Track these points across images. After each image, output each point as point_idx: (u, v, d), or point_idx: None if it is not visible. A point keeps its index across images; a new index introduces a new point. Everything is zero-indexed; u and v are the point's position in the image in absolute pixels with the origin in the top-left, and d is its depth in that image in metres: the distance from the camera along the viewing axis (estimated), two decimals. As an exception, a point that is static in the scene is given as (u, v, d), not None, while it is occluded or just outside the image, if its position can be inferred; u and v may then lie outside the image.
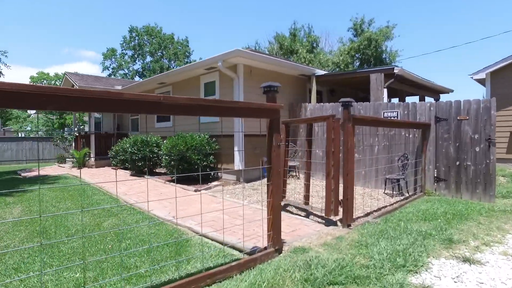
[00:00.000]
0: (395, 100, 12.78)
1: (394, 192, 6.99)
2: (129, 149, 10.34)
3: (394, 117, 7.37)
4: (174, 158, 8.45)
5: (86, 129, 21.68)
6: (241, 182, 8.49)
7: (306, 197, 5.22)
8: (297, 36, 27.56)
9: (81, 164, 13.18)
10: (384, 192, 7.19)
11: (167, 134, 11.08)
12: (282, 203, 5.96)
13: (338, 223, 4.66)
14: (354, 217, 4.68)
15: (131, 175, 10.60)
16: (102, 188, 8.14)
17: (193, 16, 68.55)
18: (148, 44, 40.89)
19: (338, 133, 4.53)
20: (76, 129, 15.60)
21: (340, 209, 4.62)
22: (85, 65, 70.76)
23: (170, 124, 11.30)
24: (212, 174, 9.12)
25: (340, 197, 4.60)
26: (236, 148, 8.43)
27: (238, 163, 8.41)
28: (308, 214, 5.25)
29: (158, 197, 7.06)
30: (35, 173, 12.02)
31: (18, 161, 20.66)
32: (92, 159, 13.22)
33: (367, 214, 5.21)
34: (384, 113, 7.52)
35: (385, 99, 8.80)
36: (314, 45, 28.07)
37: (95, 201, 6.59)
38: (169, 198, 6.76)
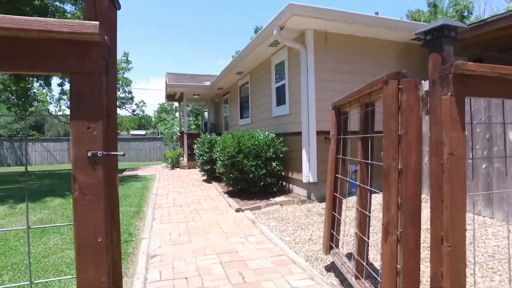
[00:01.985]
0: None
1: None
2: (197, 151, 9.08)
3: None
4: (225, 164, 6.57)
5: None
6: (312, 200, 5.90)
7: (359, 265, 2.39)
8: (438, 7, 21.57)
9: (175, 164, 12.91)
10: None
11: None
12: (329, 257, 3.28)
13: None
14: None
15: (204, 180, 9.32)
16: (157, 196, 7.00)
17: None
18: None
19: (416, 118, 1.64)
20: (177, 129, 15.74)
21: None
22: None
23: (249, 121, 9.52)
24: (278, 185, 6.81)
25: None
26: (304, 152, 5.89)
27: (307, 174, 5.84)
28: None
29: (186, 215, 5.30)
30: (132, 173, 12.29)
31: (140, 161, 23.05)
32: (185, 160, 12.77)
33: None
34: None
35: None
36: (466, 13, 21.32)
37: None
38: (193, 219, 4.90)
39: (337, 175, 3.07)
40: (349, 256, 3.18)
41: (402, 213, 1.65)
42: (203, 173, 9.43)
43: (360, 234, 2.37)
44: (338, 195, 3.04)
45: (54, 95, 30.26)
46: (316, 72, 5.82)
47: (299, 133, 6.05)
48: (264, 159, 6.36)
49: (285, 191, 6.79)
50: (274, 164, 6.41)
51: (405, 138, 1.67)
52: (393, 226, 1.67)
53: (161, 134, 36.03)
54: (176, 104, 53.68)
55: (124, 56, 34.67)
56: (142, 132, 49.30)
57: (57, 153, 21.21)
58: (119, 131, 51.69)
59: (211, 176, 9.06)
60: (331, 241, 3.15)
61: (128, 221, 4.93)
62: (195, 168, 12.68)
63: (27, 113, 29.32)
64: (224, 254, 3.55)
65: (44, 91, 29.34)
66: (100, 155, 1.02)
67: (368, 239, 2.37)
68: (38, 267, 3.25)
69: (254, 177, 6.28)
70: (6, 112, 26.41)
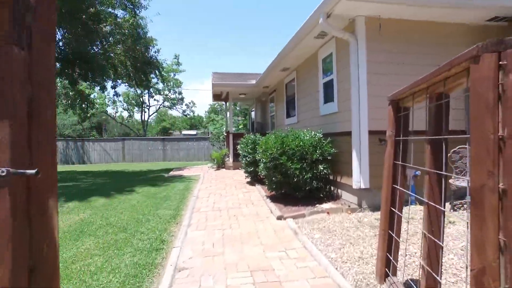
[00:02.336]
0: None
1: None
2: (240, 151, 8.77)
3: None
4: (267, 166, 6.14)
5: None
6: (363, 209, 5.23)
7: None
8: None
9: (220, 165, 12.80)
10: None
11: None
12: (383, 286, 2.68)
13: None
14: None
15: (247, 182, 9.00)
16: (198, 199, 6.83)
17: None
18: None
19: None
20: (224, 128, 15.67)
21: None
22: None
23: (295, 120, 9.00)
24: (325, 190, 6.21)
25: None
26: (354, 154, 5.23)
27: (357, 179, 5.18)
28: None
29: (224, 222, 4.97)
30: (177, 173, 12.41)
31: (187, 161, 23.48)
32: (230, 160, 12.60)
33: None
34: None
35: None
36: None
37: (151, 217, 5.18)
38: (227, 227, 4.55)
39: (395, 186, 2.47)
40: (409, 286, 2.55)
41: (507, 259, 1.06)
42: (246, 175, 9.11)
43: (429, 270, 1.77)
44: (396, 211, 2.44)
45: (111, 98, 32.33)
46: (368, 64, 5.13)
47: (349, 133, 5.40)
48: (310, 161, 5.81)
49: (333, 197, 6.17)
50: (321, 167, 5.83)
51: (510, 142, 1.08)
52: (492, 277, 1.09)
53: (210, 134, 37.02)
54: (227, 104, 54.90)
55: (175, 58, 36.06)
56: (193, 132, 51.01)
57: (112, 152, 22.52)
58: (171, 131, 54.18)
59: (255, 178, 8.70)
60: (387, 266, 2.56)
61: (163, 226, 4.72)
62: (239, 169, 12.46)
63: (89, 115, 31.86)
64: (259, 272, 3.11)
65: (102, 94, 31.71)
66: (4, 173, 0.63)
67: (441, 277, 1.77)
68: (64, 274, 3.09)
69: (298, 181, 5.77)
70: (72, 115, 28.90)
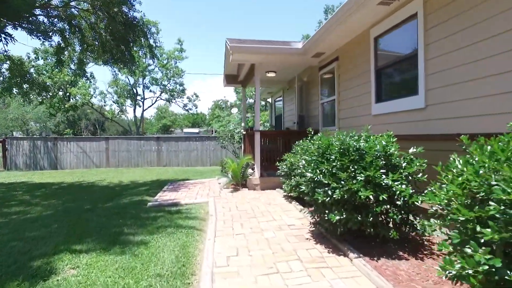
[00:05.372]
0: None
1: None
2: (301, 166, 3.94)
3: None
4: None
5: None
6: None
7: None
8: None
9: (239, 181, 7.94)
10: None
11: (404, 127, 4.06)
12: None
13: None
14: None
15: (313, 233, 4.13)
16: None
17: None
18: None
19: None
20: (242, 124, 10.73)
21: None
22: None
23: (417, 103, 4.20)
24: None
25: None
26: None
27: None
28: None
29: None
30: (171, 197, 7.55)
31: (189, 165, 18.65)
32: (256, 176, 7.74)
33: None
34: None
35: None
36: None
37: None
38: None
39: None
40: None
41: None
42: (305, 212, 4.28)
43: None
44: None
45: (97, 87, 27.43)
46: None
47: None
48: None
49: None
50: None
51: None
52: None
53: (214, 132, 31.95)
54: (232, 99, 49.38)
55: (178, 43, 31.09)
56: (196, 130, 46.12)
57: (94, 154, 17.66)
58: (172, 129, 49.21)
59: (342, 229, 3.82)
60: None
61: None
62: (274, 189, 7.60)
63: (67, 107, 26.97)
64: None
65: (85, 81, 26.69)
66: None
67: None
68: None
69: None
70: (40, 107, 24.01)
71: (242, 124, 10.72)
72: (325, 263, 3.27)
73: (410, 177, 3.35)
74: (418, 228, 3.36)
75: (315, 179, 3.53)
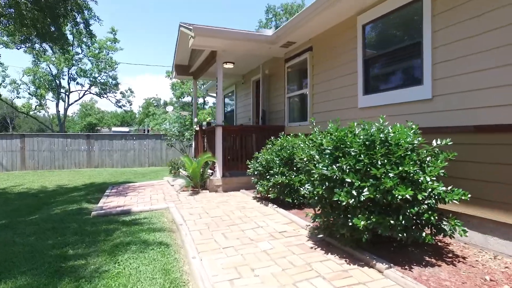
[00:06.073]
0: None
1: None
2: (306, 161, 3.32)
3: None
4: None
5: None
6: None
7: None
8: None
9: (198, 183, 7.01)
10: None
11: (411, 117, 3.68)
12: None
13: None
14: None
15: (316, 231, 3.53)
16: None
17: None
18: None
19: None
20: (196, 120, 9.73)
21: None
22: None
23: (421, 94, 3.88)
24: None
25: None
26: None
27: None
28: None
29: None
30: (119, 202, 6.32)
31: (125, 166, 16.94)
32: (218, 176, 6.89)
33: None
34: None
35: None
36: None
37: None
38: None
39: None
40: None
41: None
42: (308, 215, 3.68)
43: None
44: None
45: (7, 74, 23.54)
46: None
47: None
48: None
49: None
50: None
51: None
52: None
53: (148, 131, 29.61)
54: (165, 98, 46.65)
55: (111, 33, 28.10)
56: (126, 129, 42.58)
57: (4, 155, 14.72)
58: (99, 128, 44.65)
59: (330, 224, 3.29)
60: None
61: None
62: (239, 190, 6.86)
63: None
64: None
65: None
66: None
67: None
68: None
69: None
70: None
71: (195, 120, 9.70)
72: (353, 278, 2.68)
73: (438, 173, 2.94)
74: (446, 230, 2.96)
75: (334, 177, 2.92)
